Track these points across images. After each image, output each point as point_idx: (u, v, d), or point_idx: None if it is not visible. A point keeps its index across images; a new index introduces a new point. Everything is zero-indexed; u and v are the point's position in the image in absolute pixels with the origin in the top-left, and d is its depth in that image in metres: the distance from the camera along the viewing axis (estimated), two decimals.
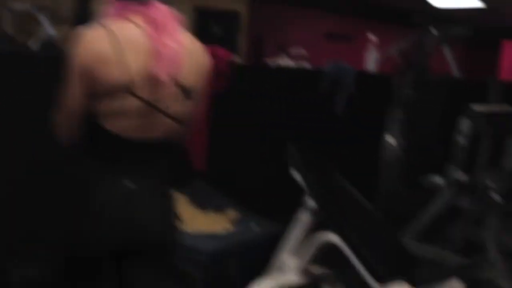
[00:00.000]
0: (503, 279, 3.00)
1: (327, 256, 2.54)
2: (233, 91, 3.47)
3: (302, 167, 2.55)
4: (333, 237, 2.42)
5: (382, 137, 4.21)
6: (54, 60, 2.17)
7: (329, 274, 2.60)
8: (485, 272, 2.98)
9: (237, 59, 4.17)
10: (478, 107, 3.25)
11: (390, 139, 4.61)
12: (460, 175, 3.21)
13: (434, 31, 4.91)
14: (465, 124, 3.19)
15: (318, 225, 2.57)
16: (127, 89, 1.56)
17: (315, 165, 2.70)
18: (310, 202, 2.51)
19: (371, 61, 4.78)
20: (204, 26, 6.37)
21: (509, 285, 2.99)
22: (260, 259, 2.81)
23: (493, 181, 2.99)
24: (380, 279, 2.26)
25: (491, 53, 12.67)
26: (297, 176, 2.52)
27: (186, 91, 1.64)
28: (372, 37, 4.81)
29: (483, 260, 3.07)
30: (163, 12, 1.61)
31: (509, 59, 12.93)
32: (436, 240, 3.41)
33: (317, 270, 2.61)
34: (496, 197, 2.90)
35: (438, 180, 3.35)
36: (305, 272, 2.57)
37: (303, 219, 2.56)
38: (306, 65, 4.70)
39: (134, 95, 1.57)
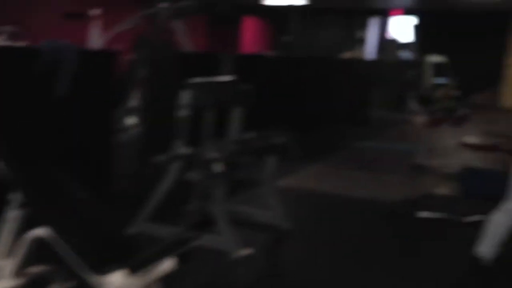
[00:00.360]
0: (228, 246, 3.07)
1: (45, 252, 2.32)
2: None
3: (8, 160, 2.27)
4: (45, 233, 2.20)
5: (113, 118, 4.02)
6: None
7: (48, 271, 2.38)
8: (211, 242, 3.02)
9: None
10: (196, 79, 3.24)
11: (125, 119, 4.45)
12: (184, 149, 3.19)
13: (165, 6, 4.86)
14: (184, 97, 3.16)
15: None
16: None
17: (24, 156, 2.43)
18: (17, 198, 2.25)
19: (96, 37, 4.55)
20: None
21: (234, 250, 3.07)
22: None
23: (216, 152, 3.01)
24: (98, 270, 2.10)
25: (233, 29, 13.32)
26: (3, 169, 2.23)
27: None
28: (95, 12, 4.57)
29: (212, 230, 3.12)
30: None
31: (248, 34, 13.74)
32: (171, 218, 3.37)
33: (34, 269, 2.37)
34: (219, 167, 2.93)
35: (165, 157, 3.27)
36: (21, 273, 2.31)
37: (12, 217, 2.29)
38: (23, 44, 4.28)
39: None
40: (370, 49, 17.29)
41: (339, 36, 16.39)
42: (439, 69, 10.04)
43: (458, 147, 5.88)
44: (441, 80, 9.57)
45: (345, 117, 9.82)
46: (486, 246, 3.21)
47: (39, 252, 2.29)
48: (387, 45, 15.84)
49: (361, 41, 16.56)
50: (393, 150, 7.70)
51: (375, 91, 10.89)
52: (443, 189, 5.30)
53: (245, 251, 3.11)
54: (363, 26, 17.10)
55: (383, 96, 11.30)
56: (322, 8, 17.09)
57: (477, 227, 3.36)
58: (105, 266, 2.11)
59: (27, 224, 2.30)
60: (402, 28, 16.67)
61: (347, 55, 14.29)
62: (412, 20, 16.53)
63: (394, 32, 18.13)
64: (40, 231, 2.21)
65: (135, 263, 2.09)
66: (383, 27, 18.25)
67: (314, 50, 16.36)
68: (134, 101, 4.39)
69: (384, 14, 16.68)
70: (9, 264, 2.30)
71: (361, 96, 10.56)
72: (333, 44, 16.04)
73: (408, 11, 16.34)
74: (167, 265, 2.07)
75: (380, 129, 9.77)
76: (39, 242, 2.24)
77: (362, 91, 10.58)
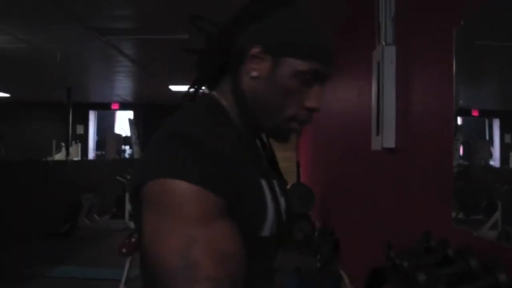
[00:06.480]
0: None
1: None
2: None
3: None
4: None
5: None
6: None
7: None
8: None
9: None
10: None
11: None
12: None
13: None
14: None
15: None
16: None
17: None
18: None
19: None
20: None
21: None
22: None
23: None
24: None
25: None
26: None
27: None
28: None
29: None
30: None
31: None
32: None
33: None
34: None
35: None
36: None
37: None
38: None
39: None
40: (90, 146, 15.69)
41: (57, 133, 14.22)
42: None
43: None
44: None
45: (45, 229, 7.94)
46: None
47: None
48: (111, 140, 14.23)
49: (80, 137, 14.82)
50: (101, 279, 5.77)
51: (88, 197, 9.07)
52: None
53: None
54: (84, 120, 15.49)
55: (101, 202, 9.50)
56: (30, 102, 15.04)
57: None
58: None
59: None
60: (124, 122, 15.50)
61: (59, 155, 12.35)
62: (129, 114, 15.50)
63: (120, 126, 16.90)
64: None
65: None
66: (108, 121, 16.89)
67: (25, 150, 14.09)
68: None
69: (105, 107, 15.33)
70: None
71: (71, 202, 8.73)
72: (47, 142, 13.98)
73: (123, 106, 15.29)
74: None
75: (90, 244, 7.82)
76: None
77: (72, 196, 8.76)
